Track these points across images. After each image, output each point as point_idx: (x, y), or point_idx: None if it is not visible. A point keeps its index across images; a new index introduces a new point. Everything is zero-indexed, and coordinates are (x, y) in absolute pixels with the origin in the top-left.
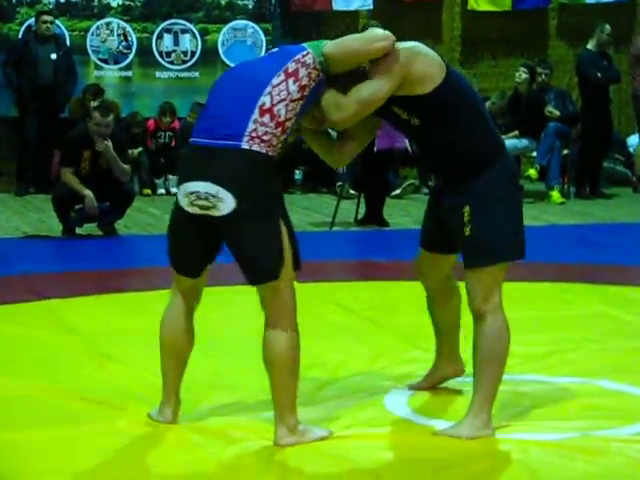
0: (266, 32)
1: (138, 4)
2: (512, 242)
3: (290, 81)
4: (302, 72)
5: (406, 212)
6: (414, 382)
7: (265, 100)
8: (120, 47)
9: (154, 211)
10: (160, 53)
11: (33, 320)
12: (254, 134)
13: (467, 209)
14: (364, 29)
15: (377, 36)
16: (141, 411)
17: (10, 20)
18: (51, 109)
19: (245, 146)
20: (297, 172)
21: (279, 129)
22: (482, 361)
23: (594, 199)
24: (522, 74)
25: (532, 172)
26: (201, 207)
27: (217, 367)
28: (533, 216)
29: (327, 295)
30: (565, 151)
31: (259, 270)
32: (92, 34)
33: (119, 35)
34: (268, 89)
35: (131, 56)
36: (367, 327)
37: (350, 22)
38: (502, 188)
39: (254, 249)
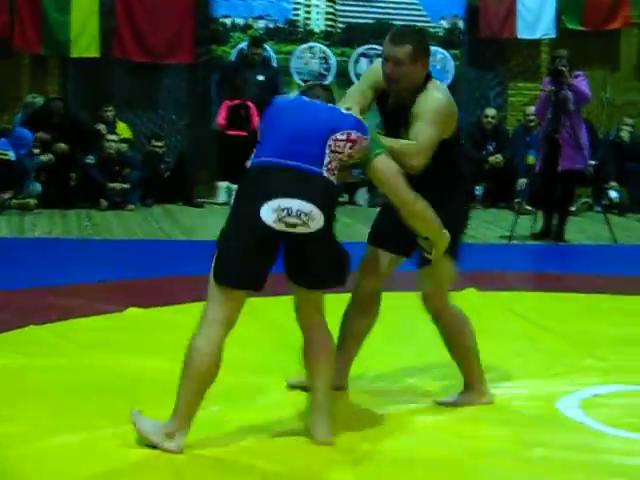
0: (454, 57)
1: (339, 30)
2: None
3: (348, 145)
4: (356, 147)
5: (580, 229)
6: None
7: (331, 143)
8: (321, 69)
9: (346, 220)
10: (357, 76)
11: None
12: (329, 166)
13: None
14: (554, 59)
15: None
16: None
17: (224, 44)
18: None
19: (325, 174)
20: (478, 188)
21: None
22: (456, 353)
23: None
24: None
25: None
26: (288, 224)
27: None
28: None
29: (505, 303)
30: None
31: (333, 277)
32: (296, 57)
33: (320, 58)
34: (334, 137)
35: (330, 78)
36: (541, 334)
37: (533, 50)
38: (461, 203)
39: (329, 260)
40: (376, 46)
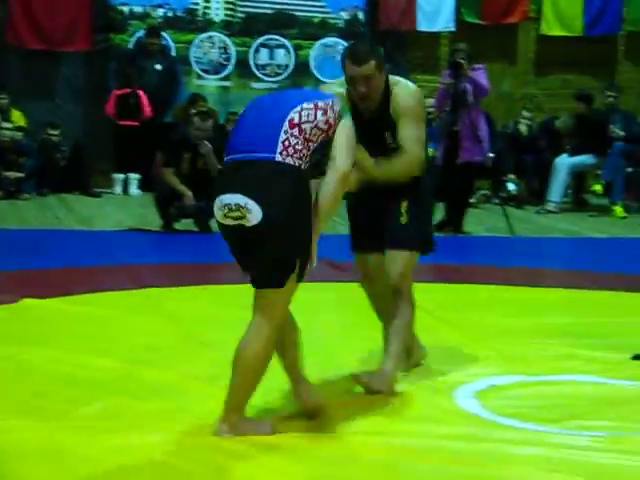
0: None
1: (238, 20)
2: (430, 237)
3: (319, 112)
4: (330, 113)
5: (479, 220)
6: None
7: (294, 116)
8: (220, 59)
9: None
10: (256, 66)
11: (134, 306)
12: (287, 143)
13: (404, 203)
14: (454, 52)
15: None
16: None
17: (122, 32)
18: (154, 115)
19: (278, 157)
20: None
21: (306, 144)
22: (396, 331)
23: None
24: (578, 103)
25: (598, 187)
26: (234, 218)
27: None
28: (597, 229)
29: None
30: (629, 169)
31: (268, 276)
32: (195, 46)
33: (220, 48)
34: (297, 109)
35: (230, 68)
36: (438, 325)
37: (432, 43)
38: (428, 192)
39: (271, 255)
40: (276, 36)
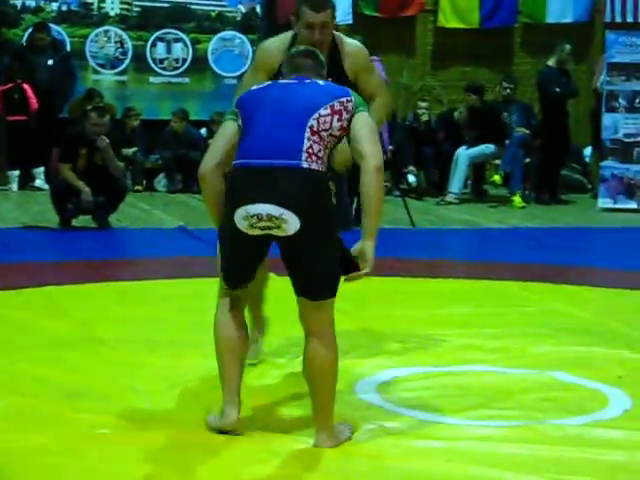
0: (252, 43)
1: (134, 14)
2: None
3: (335, 118)
4: (344, 115)
5: None
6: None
7: (313, 123)
8: (116, 53)
9: (144, 206)
10: (154, 60)
11: (31, 305)
12: (310, 150)
13: None
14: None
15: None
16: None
17: (15, 26)
18: (49, 110)
19: (304, 165)
20: None
21: (324, 149)
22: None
23: (553, 204)
24: (469, 96)
25: (497, 178)
26: (262, 228)
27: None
28: (496, 219)
29: None
30: (527, 159)
31: (322, 287)
32: (91, 41)
33: (116, 42)
34: (315, 115)
35: (127, 62)
36: (340, 318)
37: None
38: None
39: (318, 267)
40: (172, 30)
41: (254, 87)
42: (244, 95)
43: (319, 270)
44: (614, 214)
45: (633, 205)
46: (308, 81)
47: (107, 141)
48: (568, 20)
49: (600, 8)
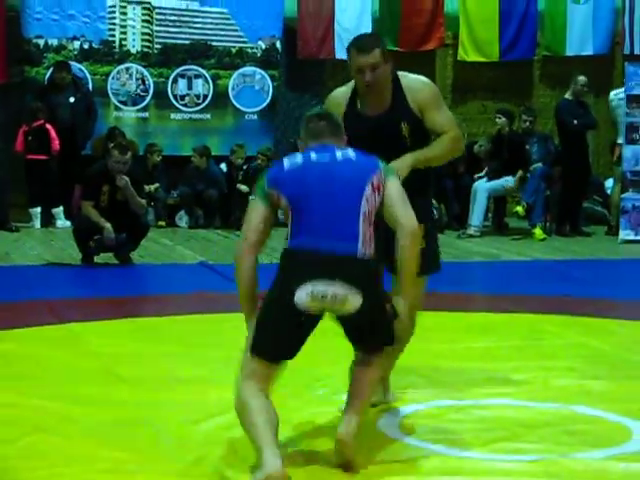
0: (273, 78)
1: (155, 51)
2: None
3: (376, 194)
4: (381, 188)
5: None
6: None
7: (365, 210)
8: (138, 90)
9: (166, 242)
10: (175, 96)
11: (53, 342)
12: (364, 238)
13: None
14: None
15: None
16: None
17: (38, 65)
18: (71, 148)
19: (361, 250)
20: None
21: (371, 228)
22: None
23: (574, 236)
24: (500, 118)
25: (519, 209)
26: (324, 306)
27: None
28: (517, 252)
29: None
30: (547, 192)
31: (385, 341)
32: (113, 78)
33: (137, 79)
34: (364, 201)
35: (148, 99)
36: None
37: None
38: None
39: (378, 331)
40: (194, 66)
41: (286, 165)
42: (279, 175)
43: (382, 335)
44: (636, 246)
45: None
46: (339, 154)
47: (126, 179)
48: (587, 52)
49: (619, 40)
